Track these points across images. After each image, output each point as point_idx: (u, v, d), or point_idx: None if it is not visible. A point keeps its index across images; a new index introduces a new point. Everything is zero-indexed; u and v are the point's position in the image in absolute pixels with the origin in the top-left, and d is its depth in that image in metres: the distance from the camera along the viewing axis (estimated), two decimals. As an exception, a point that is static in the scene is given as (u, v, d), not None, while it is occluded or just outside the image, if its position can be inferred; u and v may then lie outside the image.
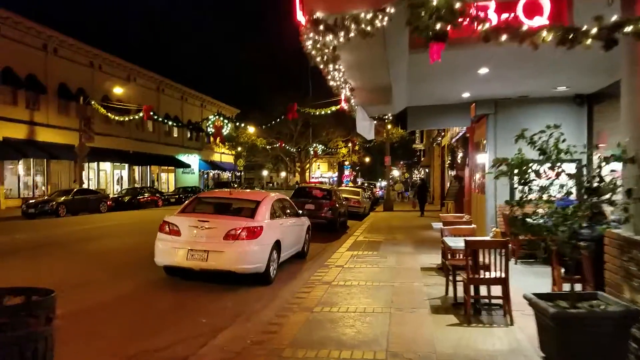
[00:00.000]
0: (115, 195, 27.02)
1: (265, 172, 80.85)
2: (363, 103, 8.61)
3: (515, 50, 7.37)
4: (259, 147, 49.35)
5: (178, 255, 7.14)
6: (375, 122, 10.65)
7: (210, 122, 24.97)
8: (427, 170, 45.47)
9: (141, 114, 25.58)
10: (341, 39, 4.19)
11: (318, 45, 4.58)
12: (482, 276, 5.43)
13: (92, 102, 26.98)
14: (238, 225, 7.20)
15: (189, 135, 44.24)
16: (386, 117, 10.13)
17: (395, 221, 19.05)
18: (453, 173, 18.09)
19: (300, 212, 10.47)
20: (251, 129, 47.84)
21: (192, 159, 44.05)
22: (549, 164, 4.12)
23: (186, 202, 8.50)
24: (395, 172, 32.92)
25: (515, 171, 4.20)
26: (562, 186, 4.11)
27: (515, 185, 10.43)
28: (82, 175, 27.57)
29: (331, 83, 6.24)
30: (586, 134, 10.33)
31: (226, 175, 53.29)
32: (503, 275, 5.30)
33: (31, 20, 26.28)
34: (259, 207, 7.84)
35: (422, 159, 50.78)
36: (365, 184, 39.38)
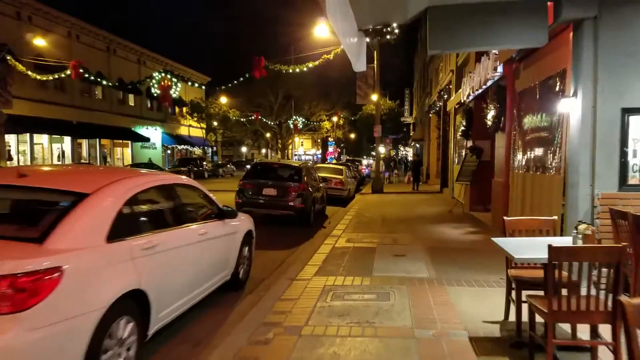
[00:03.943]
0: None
1: (244, 149, 75.22)
2: None
3: None
4: (232, 119, 44.02)
5: None
6: (367, 39, 5.77)
7: (154, 81, 19.69)
8: (417, 145, 40.81)
9: (68, 72, 20.28)
10: None
11: None
12: None
13: (8, 58, 21.45)
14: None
15: (149, 104, 38.54)
16: (388, 29, 5.29)
17: (390, 208, 14.41)
18: (469, 144, 13.40)
19: (229, 208, 5.60)
20: (223, 100, 42.54)
21: (154, 132, 38.49)
22: None
23: None
24: (381, 149, 29.02)
25: None
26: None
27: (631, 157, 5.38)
28: (8, 149, 22.35)
29: None
30: None
31: (198, 151, 47.70)
32: None
33: None
34: (73, 211, 3.03)
35: (412, 132, 45.95)
36: (350, 162, 34.46)
